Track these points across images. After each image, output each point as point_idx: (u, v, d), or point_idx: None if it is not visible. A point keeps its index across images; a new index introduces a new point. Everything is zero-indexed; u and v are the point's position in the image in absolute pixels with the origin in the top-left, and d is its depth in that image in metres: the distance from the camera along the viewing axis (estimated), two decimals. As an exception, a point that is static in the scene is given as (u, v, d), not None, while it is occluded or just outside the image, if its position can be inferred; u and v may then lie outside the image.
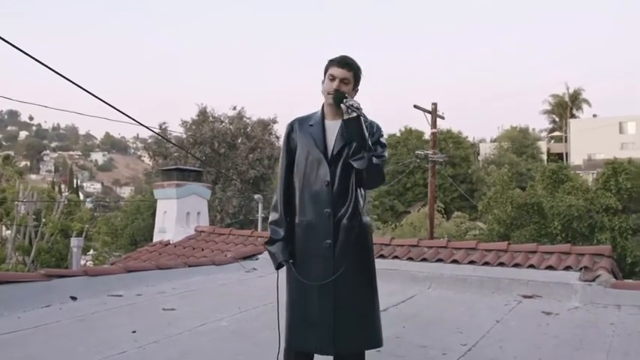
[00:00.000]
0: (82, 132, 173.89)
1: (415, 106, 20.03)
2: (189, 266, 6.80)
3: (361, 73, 2.93)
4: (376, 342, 2.88)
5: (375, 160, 2.76)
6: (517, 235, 17.05)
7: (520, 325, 4.71)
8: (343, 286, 2.76)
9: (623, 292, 5.41)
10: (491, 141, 63.70)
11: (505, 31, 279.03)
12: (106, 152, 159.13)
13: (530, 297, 5.72)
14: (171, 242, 9.53)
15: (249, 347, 4.02)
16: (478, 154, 56.13)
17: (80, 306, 5.12)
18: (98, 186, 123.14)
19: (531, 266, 6.31)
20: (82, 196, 65.81)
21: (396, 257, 7.03)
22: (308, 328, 2.80)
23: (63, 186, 64.31)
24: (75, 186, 71.23)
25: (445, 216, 32.57)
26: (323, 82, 2.90)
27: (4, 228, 31.37)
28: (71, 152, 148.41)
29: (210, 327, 4.53)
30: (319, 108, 2.99)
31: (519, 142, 53.89)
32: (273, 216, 2.94)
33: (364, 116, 2.72)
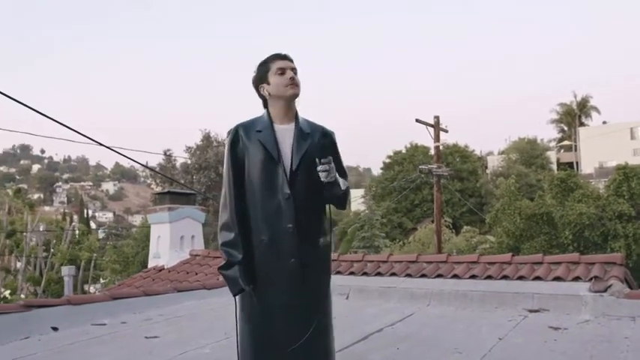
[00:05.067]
0: (92, 163, 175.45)
1: (417, 120, 19.79)
2: (179, 291, 6.54)
3: None
4: None
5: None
6: (527, 247, 16.69)
7: (525, 342, 4.38)
8: (308, 307, 2.53)
9: (638, 303, 5.04)
10: (499, 153, 63.31)
11: (507, 43, 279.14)
12: (116, 182, 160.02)
13: (536, 311, 5.38)
14: (165, 267, 9.29)
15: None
16: (486, 167, 55.76)
17: (60, 336, 4.90)
18: (110, 215, 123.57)
19: (537, 278, 5.99)
20: (93, 226, 66.11)
21: (393, 274, 6.74)
22: (272, 353, 2.53)
23: (75, 217, 64.62)
24: (85, 216, 71.54)
25: (454, 231, 32.17)
26: (263, 84, 2.69)
27: (15, 259, 31.50)
28: (82, 183, 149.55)
29: (191, 355, 4.26)
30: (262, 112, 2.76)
31: (528, 153, 53.45)
32: (225, 236, 2.60)
33: (336, 181, 2.60)
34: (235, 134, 2.65)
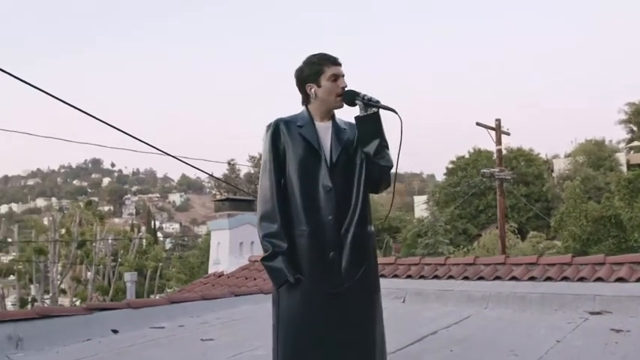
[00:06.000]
0: (159, 175, 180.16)
1: (478, 124, 19.44)
2: (236, 295, 6.63)
3: None
4: None
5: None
6: (595, 252, 16.05)
7: (584, 344, 4.22)
8: (351, 300, 2.52)
9: None
10: (566, 156, 61.35)
11: (572, 40, 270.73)
12: (182, 193, 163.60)
13: (598, 313, 5.18)
14: (224, 273, 9.44)
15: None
16: (552, 170, 54.13)
17: (120, 339, 5.05)
18: (176, 226, 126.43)
19: (599, 279, 5.77)
20: (161, 237, 67.87)
21: (451, 277, 6.63)
22: (314, 349, 2.51)
23: (143, 228, 66.46)
24: (153, 227, 73.46)
25: (519, 236, 31.35)
26: (312, 84, 2.69)
27: (85, 269, 32.69)
28: (150, 195, 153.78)
29: (244, 357, 4.33)
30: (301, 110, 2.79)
31: (595, 155, 51.55)
32: (268, 228, 2.58)
33: (390, 108, 2.57)
34: (276, 128, 2.67)
